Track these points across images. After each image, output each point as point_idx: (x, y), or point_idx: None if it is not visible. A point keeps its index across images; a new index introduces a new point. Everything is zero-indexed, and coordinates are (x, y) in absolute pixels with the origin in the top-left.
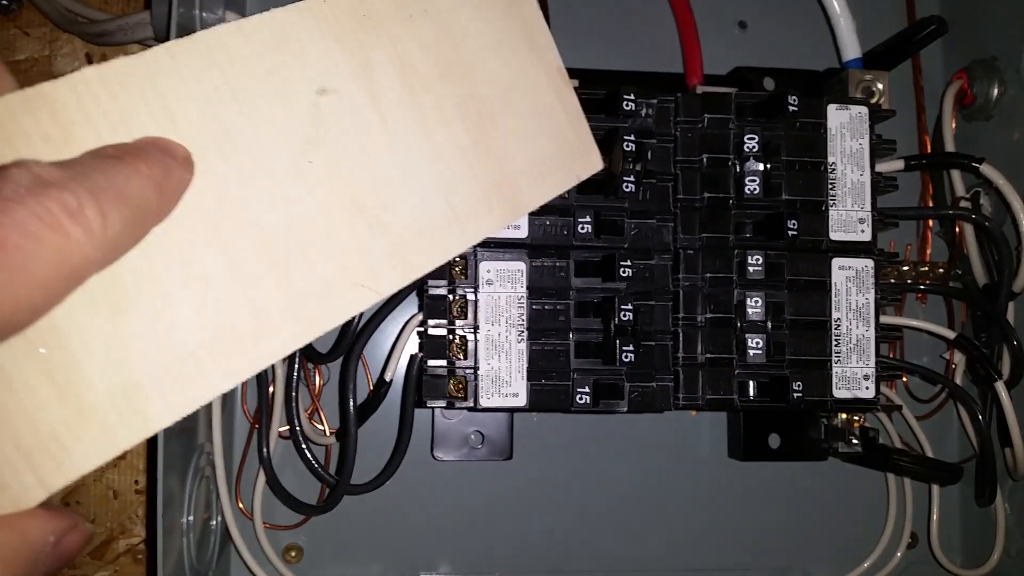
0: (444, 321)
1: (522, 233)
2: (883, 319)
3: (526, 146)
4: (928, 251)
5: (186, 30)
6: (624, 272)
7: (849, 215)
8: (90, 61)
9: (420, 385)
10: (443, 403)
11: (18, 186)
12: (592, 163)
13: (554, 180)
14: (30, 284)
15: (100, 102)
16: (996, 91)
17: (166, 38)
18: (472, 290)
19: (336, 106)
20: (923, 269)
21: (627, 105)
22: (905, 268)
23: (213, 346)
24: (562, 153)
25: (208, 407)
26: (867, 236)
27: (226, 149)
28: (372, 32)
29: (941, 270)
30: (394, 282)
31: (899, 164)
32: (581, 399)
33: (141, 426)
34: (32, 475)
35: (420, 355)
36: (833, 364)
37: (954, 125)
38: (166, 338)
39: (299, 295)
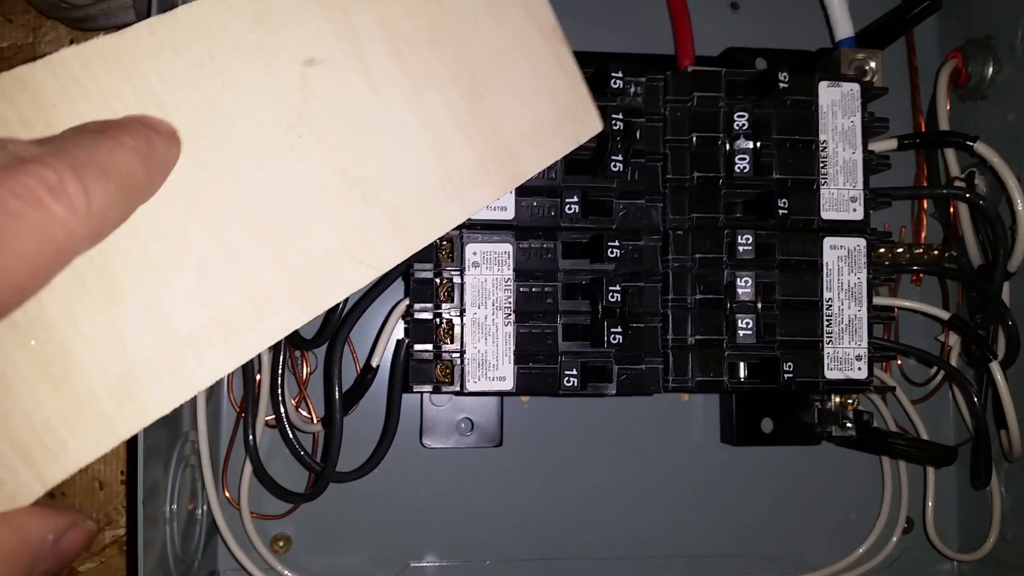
0: (430, 305)
1: (508, 214)
2: (876, 300)
3: (523, 110)
4: (923, 233)
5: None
6: (612, 253)
7: (841, 194)
8: None
9: (407, 370)
10: (430, 388)
11: None
12: (591, 124)
13: (553, 144)
14: (13, 264)
15: (80, 83)
16: (991, 70)
17: None
18: (458, 273)
19: (324, 76)
20: (917, 251)
21: (615, 83)
22: (899, 250)
23: (210, 330)
24: (560, 116)
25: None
26: (859, 215)
27: (213, 126)
28: None
29: (936, 251)
30: (393, 256)
31: (892, 143)
32: (569, 382)
33: (139, 415)
34: (29, 471)
35: (407, 340)
36: (825, 345)
37: (948, 105)
38: (161, 324)
39: (296, 274)
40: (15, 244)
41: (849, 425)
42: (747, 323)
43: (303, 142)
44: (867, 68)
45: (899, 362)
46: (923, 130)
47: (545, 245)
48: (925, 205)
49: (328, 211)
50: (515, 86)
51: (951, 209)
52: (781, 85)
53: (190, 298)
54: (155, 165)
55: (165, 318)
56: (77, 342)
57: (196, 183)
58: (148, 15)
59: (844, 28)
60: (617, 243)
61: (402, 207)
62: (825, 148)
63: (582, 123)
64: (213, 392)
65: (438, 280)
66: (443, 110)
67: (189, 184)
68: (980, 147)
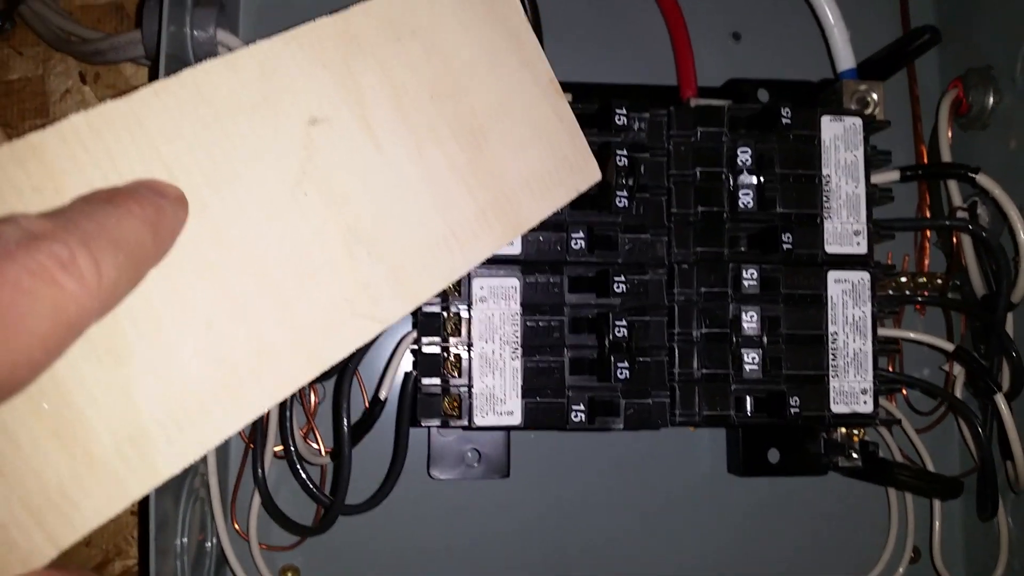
0: (438, 338)
1: (515, 249)
2: (881, 332)
3: (523, 161)
4: (926, 263)
5: (176, 49)
6: (618, 287)
7: (844, 227)
8: (83, 80)
9: (415, 403)
10: (438, 422)
11: (8, 242)
12: (590, 174)
13: (553, 194)
14: (27, 341)
15: (88, 148)
16: (992, 100)
17: (156, 56)
18: (466, 307)
19: (329, 135)
20: (921, 280)
21: (619, 119)
22: (903, 280)
23: (219, 388)
24: (560, 166)
25: None
26: (863, 248)
27: (220, 186)
28: (360, 57)
29: (939, 281)
30: (396, 310)
31: (894, 175)
32: (576, 416)
33: (150, 475)
34: (41, 533)
35: (414, 373)
36: (830, 379)
37: (950, 134)
38: (171, 384)
39: (302, 330)
40: (29, 322)
41: (855, 456)
42: (753, 357)
43: (308, 199)
44: (869, 100)
45: (904, 392)
46: (925, 159)
47: (552, 279)
48: (928, 234)
49: (333, 267)
50: (514, 138)
51: (954, 239)
52: (784, 120)
53: (199, 357)
54: (163, 231)
55: (174, 377)
56: (87, 405)
57: (203, 242)
58: (157, 50)
59: (846, 60)
60: (623, 277)
61: (405, 261)
62: (828, 182)
63: (581, 173)
64: None
65: (445, 314)
66: (444, 164)
67: (196, 243)
68: (982, 179)
